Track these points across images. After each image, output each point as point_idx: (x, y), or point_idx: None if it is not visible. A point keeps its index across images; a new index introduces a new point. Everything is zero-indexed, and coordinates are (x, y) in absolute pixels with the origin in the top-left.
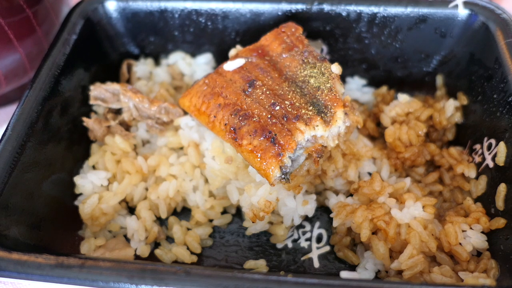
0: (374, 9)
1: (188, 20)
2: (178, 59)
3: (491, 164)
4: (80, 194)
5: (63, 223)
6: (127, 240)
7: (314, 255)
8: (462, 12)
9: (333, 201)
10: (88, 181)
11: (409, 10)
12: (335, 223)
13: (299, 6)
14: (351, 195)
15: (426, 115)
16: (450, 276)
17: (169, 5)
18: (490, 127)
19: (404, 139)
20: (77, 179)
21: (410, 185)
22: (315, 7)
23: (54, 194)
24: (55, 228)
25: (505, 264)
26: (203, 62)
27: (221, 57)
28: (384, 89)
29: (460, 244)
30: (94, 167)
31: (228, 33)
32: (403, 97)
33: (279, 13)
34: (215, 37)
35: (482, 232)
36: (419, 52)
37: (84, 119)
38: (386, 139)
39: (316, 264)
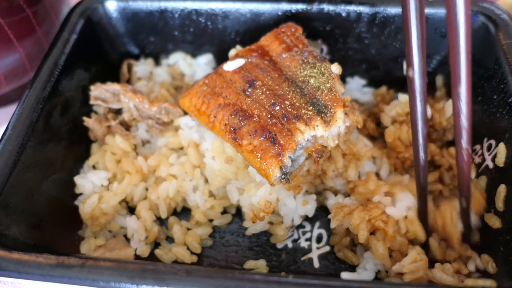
0: (374, 9)
1: (188, 20)
2: (179, 59)
3: (491, 165)
4: (80, 194)
5: (63, 223)
6: (127, 240)
7: (314, 255)
8: None
9: (331, 201)
10: (88, 181)
11: None
12: (332, 225)
13: (299, 6)
14: None
15: None
16: (450, 275)
17: (169, 5)
18: (490, 128)
19: (404, 139)
20: (77, 179)
21: (409, 184)
22: (315, 7)
23: (54, 194)
24: (55, 228)
25: (505, 264)
26: (204, 62)
27: (221, 57)
28: (384, 89)
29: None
30: (94, 167)
31: (228, 33)
32: (403, 97)
33: (279, 13)
34: (215, 37)
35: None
36: None
37: (85, 119)
38: (386, 139)
39: (316, 264)
